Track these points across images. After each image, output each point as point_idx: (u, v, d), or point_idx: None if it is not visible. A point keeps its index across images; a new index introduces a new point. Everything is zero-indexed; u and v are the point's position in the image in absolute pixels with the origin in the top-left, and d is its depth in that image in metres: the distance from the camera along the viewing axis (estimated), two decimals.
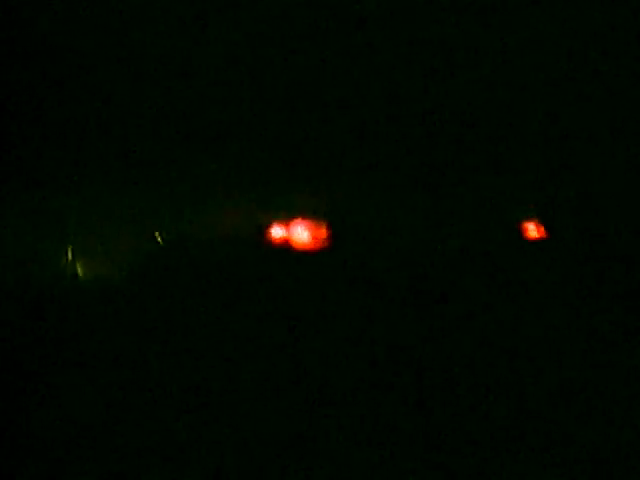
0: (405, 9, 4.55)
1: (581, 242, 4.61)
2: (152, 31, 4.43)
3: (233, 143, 4.53)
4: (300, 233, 4.49)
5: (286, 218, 4.50)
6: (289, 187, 4.53)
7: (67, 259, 4.30)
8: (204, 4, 4.48)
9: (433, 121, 4.60)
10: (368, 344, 4.30)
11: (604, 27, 4.61)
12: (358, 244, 4.52)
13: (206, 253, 4.42)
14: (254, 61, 4.51)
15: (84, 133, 4.39)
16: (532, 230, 4.65)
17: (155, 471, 3.93)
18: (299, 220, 4.50)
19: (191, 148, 4.49)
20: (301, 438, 4.05)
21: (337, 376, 4.22)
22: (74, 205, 4.35)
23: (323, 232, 4.51)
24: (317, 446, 4.04)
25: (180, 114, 4.47)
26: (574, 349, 4.34)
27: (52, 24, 4.34)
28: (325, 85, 4.55)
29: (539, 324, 4.40)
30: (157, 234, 4.41)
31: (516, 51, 4.61)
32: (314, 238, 4.50)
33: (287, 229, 4.50)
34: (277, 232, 4.49)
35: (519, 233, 4.64)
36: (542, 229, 4.65)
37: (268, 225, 4.48)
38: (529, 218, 4.66)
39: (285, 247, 4.48)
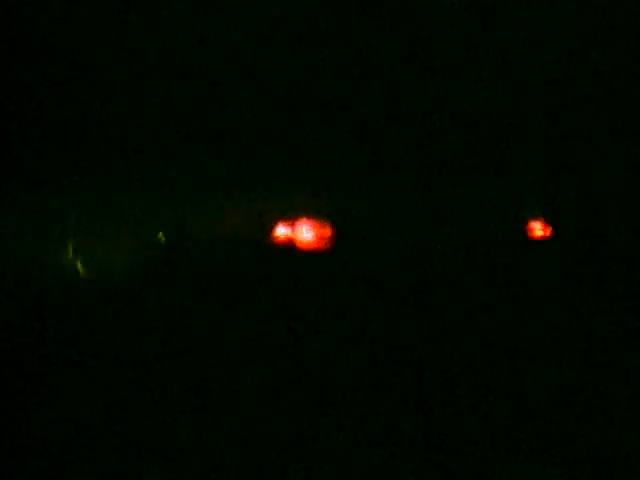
0: (405, 9, 4.55)
1: (582, 242, 4.61)
2: (152, 31, 4.43)
3: (234, 143, 4.53)
4: (303, 233, 4.49)
5: (288, 218, 4.50)
6: (291, 187, 4.53)
7: (67, 259, 4.30)
8: (204, 4, 4.48)
9: (433, 121, 4.60)
10: (370, 343, 4.30)
11: (604, 27, 4.61)
12: (360, 244, 4.52)
13: (207, 253, 4.42)
14: (254, 61, 4.51)
15: (84, 133, 4.39)
16: (533, 230, 4.65)
17: (155, 471, 3.94)
18: (301, 220, 4.50)
19: (191, 148, 4.49)
20: (301, 438, 4.05)
21: (339, 375, 4.22)
22: (74, 205, 4.35)
23: (326, 232, 4.51)
24: (317, 446, 4.04)
25: (180, 114, 4.47)
26: (574, 349, 4.34)
27: (52, 24, 4.35)
28: (325, 85, 4.55)
29: (539, 324, 4.40)
30: (157, 233, 4.42)
31: (516, 51, 4.61)
32: (317, 238, 4.50)
33: (289, 229, 4.50)
34: (280, 232, 4.49)
35: (520, 233, 4.64)
36: (543, 229, 4.65)
37: (270, 225, 4.49)
38: (530, 218, 4.65)
39: (287, 247, 4.48)
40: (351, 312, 4.36)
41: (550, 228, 4.64)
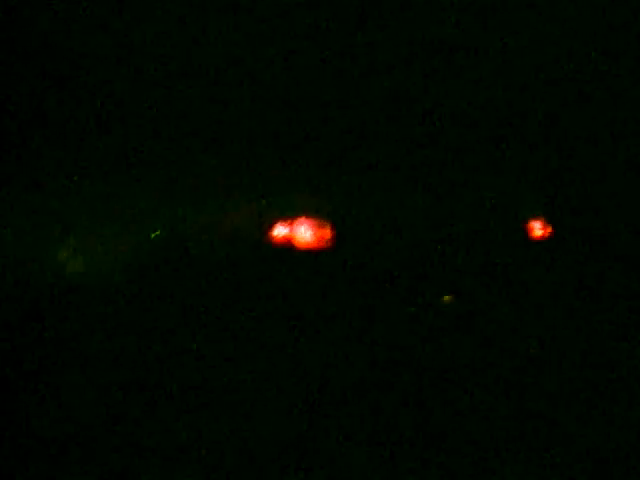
0: (405, 9, 4.55)
1: (582, 242, 4.61)
2: (152, 31, 4.43)
3: (234, 143, 4.53)
4: (302, 232, 4.49)
5: (287, 217, 4.50)
6: (290, 186, 4.53)
7: (67, 259, 4.30)
8: (204, 4, 4.48)
9: (433, 121, 4.60)
10: (370, 343, 4.30)
11: (604, 27, 4.61)
12: (360, 243, 4.52)
13: (207, 253, 4.42)
14: (254, 61, 4.51)
15: (84, 133, 4.39)
16: (533, 230, 4.65)
17: (155, 471, 3.94)
18: (300, 219, 4.50)
19: (192, 148, 4.49)
20: (301, 438, 4.06)
21: (339, 375, 4.22)
22: (74, 205, 4.35)
23: (325, 231, 4.51)
24: (317, 446, 4.04)
25: (180, 114, 4.47)
26: (574, 349, 4.34)
27: (52, 24, 4.34)
28: (325, 85, 4.55)
29: (539, 324, 4.40)
30: (158, 233, 4.42)
31: (517, 51, 4.61)
32: (316, 237, 4.50)
33: (288, 228, 4.50)
34: (279, 231, 4.49)
35: (521, 233, 4.64)
36: (543, 229, 4.65)
37: (270, 224, 4.48)
38: (531, 218, 4.65)
39: (286, 246, 4.48)
40: (351, 312, 4.36)
41: (550, 228, 4.64)
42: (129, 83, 4.42)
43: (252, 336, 4.26)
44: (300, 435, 4.07)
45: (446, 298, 4.40)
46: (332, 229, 4.51)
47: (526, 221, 4.64)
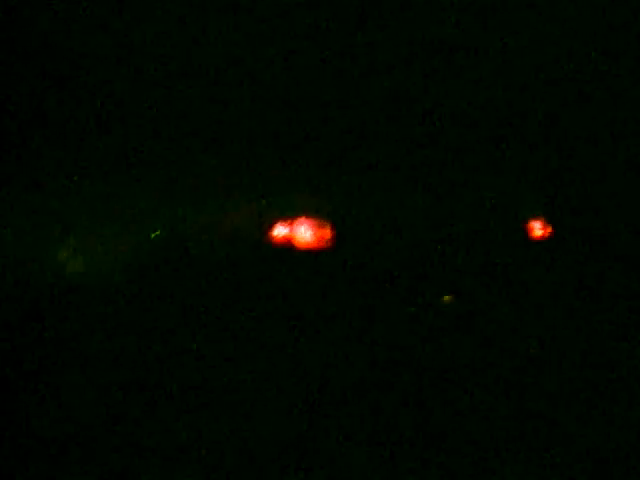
0: (405, 9, 4.54)
1: (582, 242, 4.61)
2: (152, 31, 4.43)
3: (234, 143, 4.53)
4: (302, 232, 4.49)
5: (287, 217, 4.50)
6: (290, 186, 4.53)
7: (67, 259, 4.30)
8: (204, 4, 4.47)
9: (433, 121, 4.60)
10: (370, 343, 4.30)
11: (604, 27, 4.61)
12: (360, 243, 4.52)
13: (207, 253, 4.42)
14: (254, 61, 4.51)
15: (84, 133, 4.39)
16: (534, 230, 4.65)
17: (155, 471, 3.94)
18: (300, 219, 4.50)
19: (192, 148, 4.49)
20: (301, 438, 4.06)
21: (339, 376, 4.22)
22: (74, 205, 4.35)
23: (325, 231, 4.51)
24: (317, 446, 4.04)
25: (180, 114, 4.46)
26: (574, 349, 4.34)
27: (52, 24, 4.34)
28: (325, 85, 4.55)
29: (539, 324, 4.40)
30: (158, 233, 4.42)
31: (517, 51, 4.61)
32: (316, 237, 4.49)
33: (289, 228, 4.49)
34: (279, 231, 4.48)
35: (521, 233, 4.64)
36: (543, 229, 4.65)
37: (270, 224, 4.48)
38: (531, 218, 4.65)
39: (286, 246, 4.48)
40: (351, 312, 4.36)
41: (550, 228, 4.64)
42: (129, 83, 4.42)
43: (252, 336, 4.26)
44: (300, 435, 4.07)
45: (446, 298, 4.39)
46: (332, 229, 4.51)
47: (526, 221, 4.64)
